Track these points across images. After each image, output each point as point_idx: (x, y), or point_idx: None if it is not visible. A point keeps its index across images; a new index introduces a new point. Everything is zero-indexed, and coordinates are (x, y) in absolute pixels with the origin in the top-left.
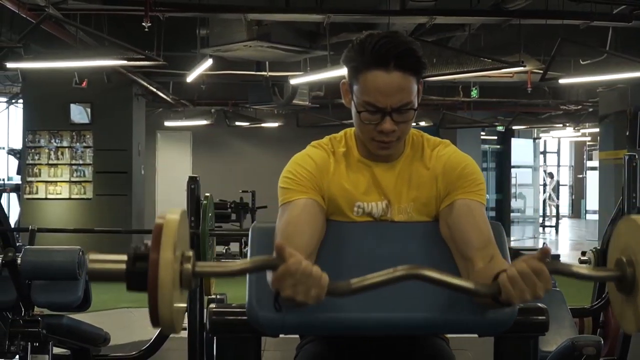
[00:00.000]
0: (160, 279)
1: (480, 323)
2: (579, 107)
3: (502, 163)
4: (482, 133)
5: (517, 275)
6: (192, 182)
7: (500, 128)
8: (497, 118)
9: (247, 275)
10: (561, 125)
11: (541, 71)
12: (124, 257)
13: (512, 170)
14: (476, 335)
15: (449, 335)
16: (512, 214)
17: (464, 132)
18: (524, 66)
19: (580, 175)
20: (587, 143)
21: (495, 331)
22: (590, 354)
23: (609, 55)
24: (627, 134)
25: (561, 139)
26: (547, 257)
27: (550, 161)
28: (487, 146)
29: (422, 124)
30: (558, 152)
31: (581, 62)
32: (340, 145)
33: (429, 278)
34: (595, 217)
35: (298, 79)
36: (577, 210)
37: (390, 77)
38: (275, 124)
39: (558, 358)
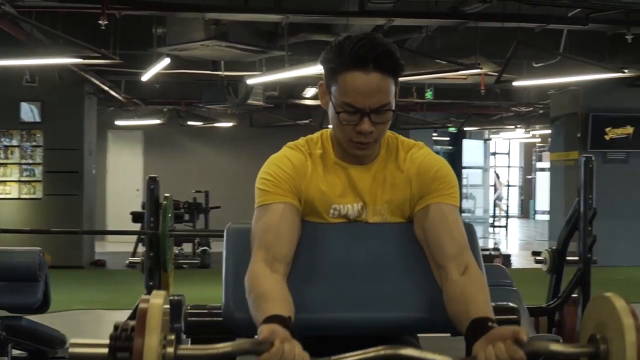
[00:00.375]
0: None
1: (435, 323)
2: (530, 109)
3: (454, 164)
4: (435, 134)
5: (492, 356)
6: (152, 182)
7: (452, 129)
8: (450, 119)
9: (223, 277)
10: (512, 127)
11: (496, 73)
12: (106, 342)
13: (463, 171)
14: (449, 335)
15: (420, 335)
16: (462, 215)
17: (417, 133)
18: (480, 68)
19: (530, 176)
20: (537, 144)
21: (445, 331)
22: None
23: (563, 58)
24: (579, 135)
25: (511, 141)
26: (523, 341)
27: (500, 162)
28: (439, 147)
29: None
30: (508, 154)
31: (534, 64)
32: (317, 147)
33: (409, 358)
34: (544, 217)
35: (256, 79)
36: (526, 210)
37: (369, 78)
38: (229, 124)
39: None
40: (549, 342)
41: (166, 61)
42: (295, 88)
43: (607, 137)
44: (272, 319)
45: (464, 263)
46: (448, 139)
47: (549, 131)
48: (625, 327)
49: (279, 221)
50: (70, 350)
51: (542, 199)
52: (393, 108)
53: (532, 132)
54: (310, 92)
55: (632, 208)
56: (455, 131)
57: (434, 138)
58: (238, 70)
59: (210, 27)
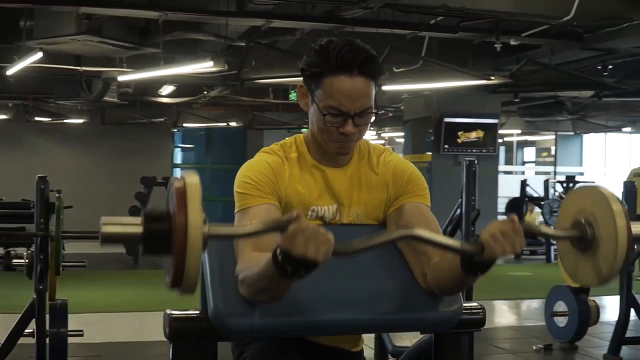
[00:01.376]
0: (189, 242)
1: (431, 320)
2: (382, 111)
3: None
4: (288, 135)
5: (498, 233)
6: (42, 182)
7: (305, 130)
8: (304, 120)
9: (208, 281)
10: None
11: None
12: (138, 220)
13: None
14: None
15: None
16: None
17: (271, 134)
18: None
19: None
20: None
21: (444, 328)
22: None
23: (426, 63)
24: (432, 139)
25: None
26: (516, 222)
27: None
28: None
29: (233, 124)
30: None
31: (395, 69)
32: (292, 151)
33: (422, 238)
34: None
35: (128, 76)
36: None
37: (354, 82)
38: (79, 121)
39: (417, 352)
40: (541, 225)
41: (38, 55)
42: (151, 85)
43: (459, 141)
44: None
45: None
46: None
47: (399, 133)
48: (615, 212)
49: (264, 218)
50: (104, 229)
51: None
52: (374, 111)
53: (382, 135)
54: (167, 89)
55: (481, 208)
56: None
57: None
58: (96, 65)
59: (82, 22)
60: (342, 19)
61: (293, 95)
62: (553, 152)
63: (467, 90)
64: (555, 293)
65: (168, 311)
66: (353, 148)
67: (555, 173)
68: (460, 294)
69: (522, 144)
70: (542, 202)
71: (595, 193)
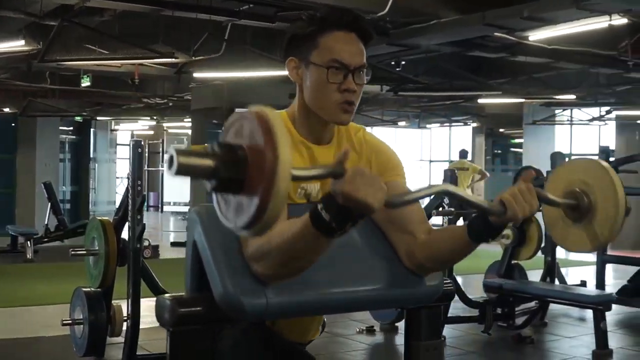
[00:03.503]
0: (280, 175)
1: (419, 294)
2: (165, 100)
3: (80, 154)
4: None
5: (517, 193)
6: None
7: (78, 118)
8: (85, 109)
9: (212, 263)
10: (149, 118)
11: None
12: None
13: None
14: None
15: None
16: (94, 207)
17: (44, 122)
18: (176, 57)
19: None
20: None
21: (428, 300)
22: None
23: (238, 52)
24: (223, 129)
25: (136, 132)
26: (532, 179)
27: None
28: (64, 136)
29: (7, 110)
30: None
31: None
32: None
33: (454, 194)
34: (176, 208)
35: None
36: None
37: (350, 37)
38: None
39: None
40: (541, 190)
41: None
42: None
43: None
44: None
45: (427, 228)
46: (72, 128)
47: (177, 124)
48: (617, 188)
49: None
50: (180, 160)
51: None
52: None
53: (165, 125)
54: None
55: None
56: (81, 120)
57: (60, 128)
58: None
59: None
60: (161, 2)
61: (85, 80)
62: None
63: (257, 81)
64: None
65: (167, 296)
66: (354, 112)
67: None
68: None
69: None
70: None
71: (592, 165)
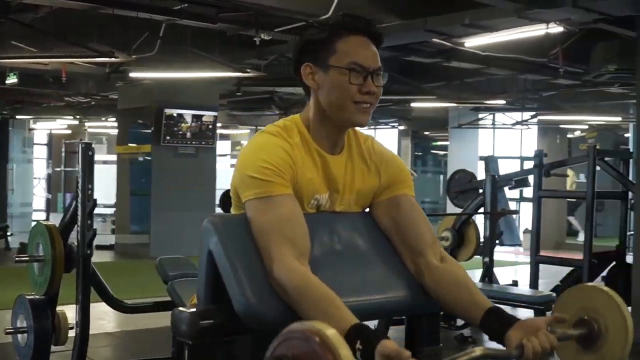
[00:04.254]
0: None
1: (426, 302)
2: (88, 99)
3: None
4: None
5: (539, 351)
6: None
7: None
8: (5, 107)
9: (230, 273)
10: (71, 117)
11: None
12: None
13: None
14: None
15: None
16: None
17: None
18: (116, 57)
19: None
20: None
21: (435, 308)
22: None
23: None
24: (152, 130)
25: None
26: (555, 330)
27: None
28: None
29: None
30: (49, 145)
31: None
32: (294, 134)
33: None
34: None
35: None
36: (54, 204)
37: (364, 40)
38: None
39: None
40: (557, 331)
41: None
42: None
43: (180, 132)
44: (361, 328)
45: (438, 250)
46: None
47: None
48: (625, 313)
49: (292, 213)
50: None
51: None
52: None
53: (87, 124)
54: None
55: (201, 200)
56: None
57: None
58: None
59: None
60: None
61: (12, 77)
62: None
63: (187, 82)
64: None
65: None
66: (371, 114)
67: None
68: None
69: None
70: None
71: (601, 293)
